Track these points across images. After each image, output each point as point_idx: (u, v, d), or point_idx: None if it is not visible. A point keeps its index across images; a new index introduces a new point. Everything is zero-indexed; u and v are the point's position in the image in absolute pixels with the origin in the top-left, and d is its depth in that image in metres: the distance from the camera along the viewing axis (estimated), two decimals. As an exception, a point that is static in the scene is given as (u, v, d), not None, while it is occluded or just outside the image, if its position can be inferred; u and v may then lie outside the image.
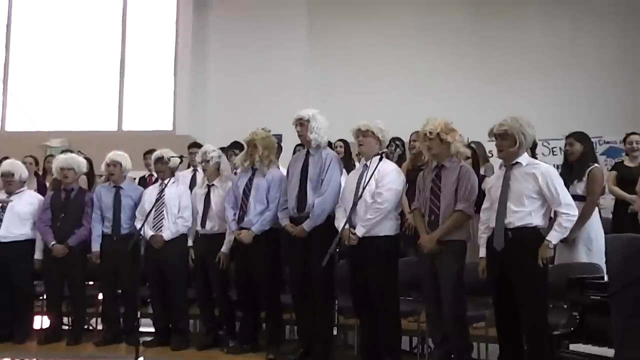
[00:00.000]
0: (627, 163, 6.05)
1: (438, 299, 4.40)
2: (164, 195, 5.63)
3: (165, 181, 5.69)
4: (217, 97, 9.58)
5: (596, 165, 5.03)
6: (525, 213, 4.04)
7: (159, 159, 5.75)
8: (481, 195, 4.67)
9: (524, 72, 9.12)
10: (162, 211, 5.62)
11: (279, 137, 7.27)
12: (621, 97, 8.85)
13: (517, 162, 4.17)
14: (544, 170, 4.12)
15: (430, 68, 9.27)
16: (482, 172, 5.70)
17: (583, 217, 4.63)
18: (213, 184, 5.64)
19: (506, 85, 9.06)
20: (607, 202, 6.16)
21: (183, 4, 10.06)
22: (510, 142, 4.15)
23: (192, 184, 6.33)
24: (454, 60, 9.27)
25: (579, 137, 5.15)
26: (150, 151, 6.44)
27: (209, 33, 9.92)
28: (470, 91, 9.10)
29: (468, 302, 4.57)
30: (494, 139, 4.27)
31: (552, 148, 8.21)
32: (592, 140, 7.89)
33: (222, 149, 6.17)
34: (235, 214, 5.28)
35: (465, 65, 9.24)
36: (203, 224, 5.57)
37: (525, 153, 4.24)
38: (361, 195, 4.52)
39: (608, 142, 8.44)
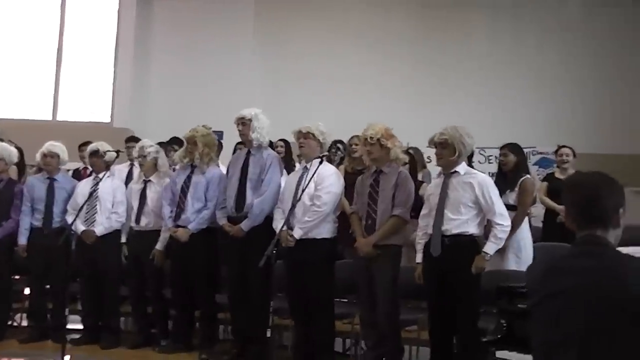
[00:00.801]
0: (558, 175, 6.27)
1: (373, 302, 4.46)
2: (98, 189, 5.47)
3: (100, 175, 5.54)
4: (158, 90, 9.37)
5: (528, 176, 5.21)
6: (461, 221, 4.14)
7: (94, 152, 5.60)
8: (418, 200, 4.77)
9: (465, 81, 9.31)
10: (95, 205, 5.47)
11: (220, 134, 7.22)
12: (555, 110, 9.16)
13: (455, 171, 4.27)
14: (480, 180, 4.23)
15: (374, 72, 9.33)
16: (419, 177, 5.81)
17: (514, 226, 4.77)
18: (150, 180, 5.53)
19: (447, 94, 9.23)
20: (538, 210, 6.35)
21: (126, -7, 9.82)
22: (450, 151, 4.24)
23: (129, 178, 6.20)
24: (399, 65, 9.36)
25: (513, 148, 5.33)
26: (86, 143, 6.26)
27: (153, 25, 9.71)
28: (412, 97, 9.22)
29: (402, 305, 4.65)
30: (434, 146, 4.36)
31: (488, 156, 8.45)
32: (526, 150, 8.17)
33: (160, 144, 6.07)
34: (172, 211, 5.20)
35: (409, 71, 9.35)
36: (138, 220, 5.46)
37: (464, 162, 4.34)
38: (300, 198, 4.53)
39: (541, 153, 8.74)
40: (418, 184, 5.35)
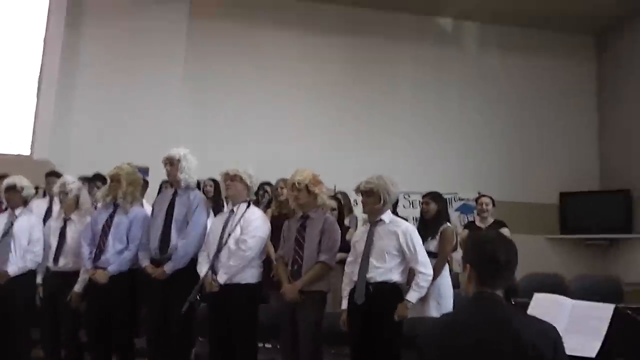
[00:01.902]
0: (478, 223, 6.50)
1: (296, 348, 4.43)
2: (12, 226, 5.24)
3: (16, 211, 5.31)
4: (82, 123, 9.06)
5: (448, 224, 5.38)
6: (386, 269, 4.22)
7: (11, 187, 5.37)
8: (345, 245, 4.83)
9: (391, 128, 9.57)
10: (10, 244, 5.22)
11: (145, 170, 7.09)
12: (475, 158, 9.57)
13: (380, 219, 4.36)
14: (404, 228, 4.34)
15: (304, 115, 9.42)
16: (346, 222, 5.89)
17: (434, 273, 4.89)
18: (70, 218, 5.34)
19: (374, 139, 9.45)
20: (459, 256, 6.54)
21: (54, 22, 9.55)
22: (375, 199, 4.34)
23: (47, 215, 5.97)
24: (328, 110, 9.48)
25: (434, 197, 5.51)
26: (3, 176, 6.00)
27: (79, 56, 9.46)
28: (341, 141, 9.36)
29: (325, 351, 4.65)
30: (360, 194, 4.45)
31: (412, 201, 8.67)
32: (448, 196, 8.52)
33: (83, 178, 5.89)
34: (91, 252, 5.02)
35: (338, 116, 9.49)
36: (56, 261, 5.23)
37: (389, 210, 4.44)
38: (226, 242, 4.48)
39: (462, 199, 9.08)
40: (345, 230, 5.42)
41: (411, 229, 4.40)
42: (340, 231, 4.69)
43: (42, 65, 9.50)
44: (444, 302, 5.10)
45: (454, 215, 8.74)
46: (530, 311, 3.00)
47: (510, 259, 2.18)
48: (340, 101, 9.53)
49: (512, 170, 9.52)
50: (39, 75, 9.51)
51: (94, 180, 6.22)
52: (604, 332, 2.80)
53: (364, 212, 4.49)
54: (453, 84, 9.91)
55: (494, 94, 9.89)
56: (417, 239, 4.35)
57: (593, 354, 2.75)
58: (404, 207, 8.40)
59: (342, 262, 4.69)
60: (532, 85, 9.99)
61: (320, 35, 9.68)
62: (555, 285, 6.65)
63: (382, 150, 9.29)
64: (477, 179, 9.19)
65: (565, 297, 3.06)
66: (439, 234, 5.26)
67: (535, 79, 10.01)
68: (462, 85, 9.91)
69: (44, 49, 9.55)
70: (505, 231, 6.14)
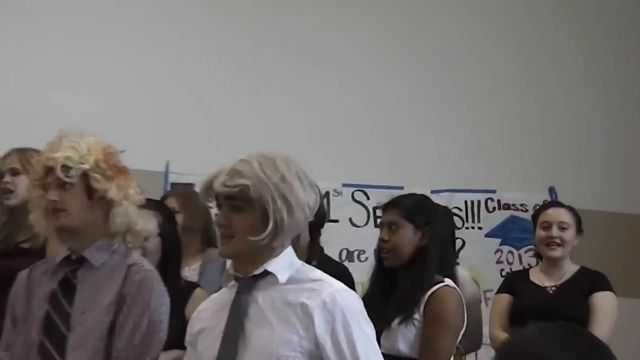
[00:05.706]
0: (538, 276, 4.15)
1: None
2: None
3: None
4: None
5: (445, 282, 2.37)
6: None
7: None
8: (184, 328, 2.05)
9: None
10: None
11: None
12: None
13: (265, 273, 1.71)
14: (328, 298, 1.66)
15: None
16: (190, 268, 2.72)
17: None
18: None
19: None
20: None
21: None
22: (251, 216, 1.68)
23: None
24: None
25: (409, 209, 2.39)
26: None
27: None
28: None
29: None
30: (213, 202, 1.79)
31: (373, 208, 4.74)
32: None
33: None
34: None
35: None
36: None
37: (289, 248, 1.74)
38: None
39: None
40: (186, 291, 2.47)
41: (348, 300, 1.66)
42: (168, 298, 1.95)
43: None
44: None
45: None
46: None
47: None
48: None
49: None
50: None
51: None
52: None
53: (222, 252, 1.74)
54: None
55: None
56: (360, 327, 1.65)
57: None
58: (354, 223, 4.31)
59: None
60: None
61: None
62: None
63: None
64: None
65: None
66: (423, 302, 2.24)
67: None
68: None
69: None
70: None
